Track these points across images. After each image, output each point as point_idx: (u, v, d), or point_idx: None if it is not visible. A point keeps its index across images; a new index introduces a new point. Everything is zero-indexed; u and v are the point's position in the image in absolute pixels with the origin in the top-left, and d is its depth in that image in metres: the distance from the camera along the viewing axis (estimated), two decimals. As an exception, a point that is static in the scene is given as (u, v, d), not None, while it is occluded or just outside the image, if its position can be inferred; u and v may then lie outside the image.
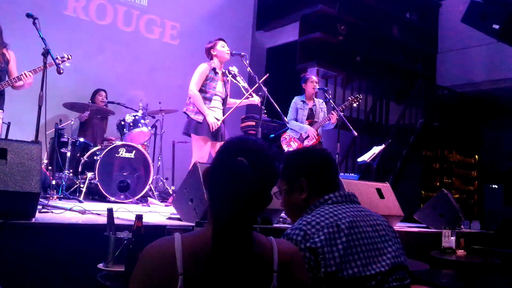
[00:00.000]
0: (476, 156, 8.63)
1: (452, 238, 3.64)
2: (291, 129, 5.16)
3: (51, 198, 3.89)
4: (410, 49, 9.17)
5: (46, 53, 3.51)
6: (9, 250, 2.14)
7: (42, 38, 3.53)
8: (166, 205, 4.56)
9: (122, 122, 5.13)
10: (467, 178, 8.54)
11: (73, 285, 2.25)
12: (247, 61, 4.38)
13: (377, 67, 8.52)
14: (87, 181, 4.48)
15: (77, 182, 4.64)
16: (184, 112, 4.36)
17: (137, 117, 5.14)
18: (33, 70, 4.03)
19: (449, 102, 8.34)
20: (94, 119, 5.73)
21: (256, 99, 4.36)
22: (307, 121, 5.16)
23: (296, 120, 5.17)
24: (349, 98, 5.40)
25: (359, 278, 1.38)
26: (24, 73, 4.01)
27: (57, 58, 3.67)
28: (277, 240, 1.16)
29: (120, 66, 6.55)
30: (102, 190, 4.50)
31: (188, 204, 2.94)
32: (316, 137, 5.07)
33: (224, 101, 4.48)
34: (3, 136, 4.30)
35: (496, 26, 5.36)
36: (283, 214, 3.43)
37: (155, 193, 5.06)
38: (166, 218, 3.27)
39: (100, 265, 1.92)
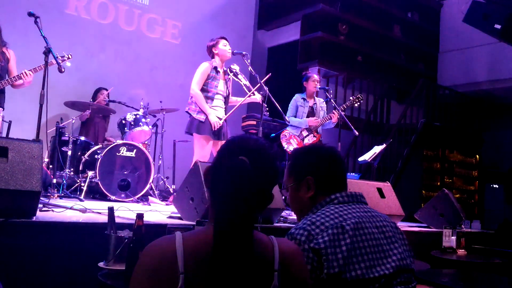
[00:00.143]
0: (477, 156, 8.64)
1: (452, 237, 3.64)
2: (291, 126, 5.16)
3: (51, 196, 3.89)
4: (412, 49, 9.17)
5: (47, 52, 3.51)
6: (10, 249, 2.14)
7: (44, 37, 3.52)
8: (166, 204, 4.56)
9: (123, 121, 5.14)
10: (468, 178, 8.54)
11: (74, 283, 2.25)
12: (248, 61, 4.38)
13: (378, 67, 8.51)
14: (88, 180, 4.48)
15: (78, 181, 4.64)
16: (187, 112, 4.36)
17: (138, 116, 5.14)
18: (33, 69, 4.03)
19: (450, 102, 8.33)
20: (96, 117, 5.74)
21: (258, 97, 4.37)
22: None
23: (295, 117, 5.18)
24: (351, 98, 5.39)
25: (363, 281, 1.36)
26: (24, 72, 4.01)
27: (57, 58, 3.67)
28: (278, 239, 1.16)
29: (121, 65, 6.56)
30: (103, 188, 4.51)
31: (189, 203, 2.94)
32: (317, 136, 5.07)
33: (226, 100, 4.48)
34: (4, 135, 4.30)
35: (497, 26, 5.35)
36: (283, 213, 3.43)
37: (156, 192, 5.06)
38: (167, 217, 3.27)
39: (101, 264, 1.92)
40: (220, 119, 4.29)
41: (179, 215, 3.15)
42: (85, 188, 4.43)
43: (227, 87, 4.48)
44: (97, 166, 4.52)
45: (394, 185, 5.46)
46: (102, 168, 4.55)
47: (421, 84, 7.62)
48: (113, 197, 4.52)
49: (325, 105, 5.39)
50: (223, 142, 3.76)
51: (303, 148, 1.78)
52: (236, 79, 4.39)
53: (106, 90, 5.88)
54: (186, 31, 7.27)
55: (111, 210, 2.05)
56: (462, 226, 4.49)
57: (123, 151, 4.73)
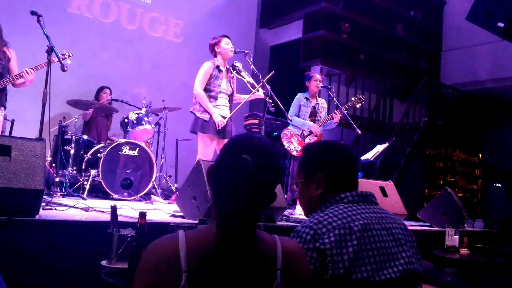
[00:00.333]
0: (480, 155, 8.62)
1: (455, 236, 3.64)
2: (292, 125, 5.16)
3: (54, 195, 3.91)
4: (414, 47, 9.14)
5: (50, 50, 3.52)
6: (13, 247, 2.15)
7: (46, 36, 3.53)
8: (169, 203, 4.57)
9: (126, 120, 5.15)
10: (470, 177, 8.52)
11: (77, 282, 2.26)
12: (251, 59, 4.37)
13: (381, 65, 8.49)
14: (90, 179, 4.49)
15: (81, 180, 4.65)
16: (191, 112, 4.36)
17: (140, 114, 5.15)
18: (34, 67, 4.03)
19: (453, 101, 8.31)
20: (98, 116, 5.74)
21: (261, 93, 4.36)
22: (310, 119, 5.16)
23: (298, 117, 5.17)
24: (353, 99, 5.37)
25: (368, 283, 1.33)
26: (26, 70, 4.01)
27: (59, 56, 3.67)
28: (281, 238, 1.16)
29: (123, 64, 6.56)
30: (105, 187, 4.52)
31: (191, 202, 2.95)
32: (318, 135, 5.07)
33: (230, 98, 4.47)
34: (6, 133, 4.31)
35: (501, 24, 5.33)
36: (286, 212, 3.43)
37: (159, 191, 5.07)
38: (170, 216, 3.28)
39: (104, 262, 1.92)
40: (224, 117, 4.29)
41: (181, 213, 3.15)
42: (87, 187, 4.43)
43: (230, 85, 4.47)
44: (100, 164, 4.53)
45: (396, 184, 5.45)
46: (104, 166, 4.56)
47: (424, 83, 7.60)
48: (115, 196, 4.53)
49: (327, 106, 5.38)
50: (228, 140, 3.77)
51: (316, 144, 1.71)
52: (240, 77, 4.39)
53: (109, 89, 5.89)
54: (188, 30, 7.27)
55: (113, 208, 2.05)
56: (465, 225, 4.49)
57: (126, 150, 4.74)
